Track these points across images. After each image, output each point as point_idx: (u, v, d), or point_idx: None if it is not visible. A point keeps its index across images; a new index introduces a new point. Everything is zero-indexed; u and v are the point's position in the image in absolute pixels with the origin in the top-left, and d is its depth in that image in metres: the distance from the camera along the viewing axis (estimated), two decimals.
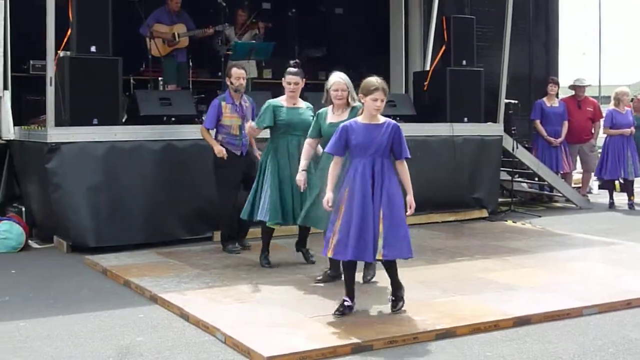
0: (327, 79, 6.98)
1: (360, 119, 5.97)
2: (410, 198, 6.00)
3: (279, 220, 7.50)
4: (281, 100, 7.70)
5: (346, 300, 5.98)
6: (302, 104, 7.72)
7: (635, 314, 6.13)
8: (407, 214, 5.95)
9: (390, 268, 6.08)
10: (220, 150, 8.23)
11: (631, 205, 12.47)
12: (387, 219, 5.80)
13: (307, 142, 6.99)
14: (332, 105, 6.87)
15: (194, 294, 6.60)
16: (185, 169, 9.12)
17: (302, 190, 7.07)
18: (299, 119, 7.56)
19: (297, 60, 7.99)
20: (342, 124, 6.00)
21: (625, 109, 12.83)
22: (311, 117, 7.40)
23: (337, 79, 6.81)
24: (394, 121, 6.06)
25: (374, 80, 5.95)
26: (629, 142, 12.64)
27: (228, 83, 8.37)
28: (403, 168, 6.02)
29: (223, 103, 8.31)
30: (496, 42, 12.30)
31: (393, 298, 6.11)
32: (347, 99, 6.80)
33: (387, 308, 6.09)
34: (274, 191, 7.45)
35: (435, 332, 5.53)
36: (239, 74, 8.26)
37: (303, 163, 6.99)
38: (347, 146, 5.91)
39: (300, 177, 6.97)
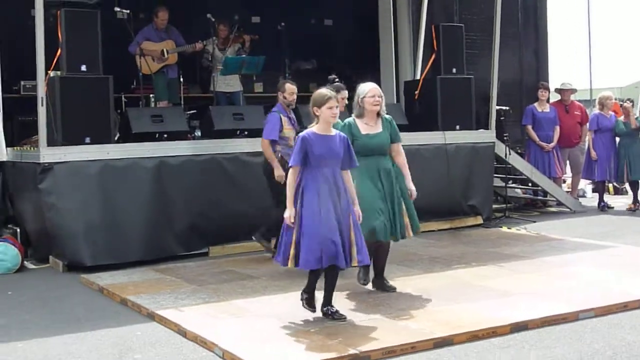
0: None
1: (315, 129, 6.07)
2: (357, 207, 6.20)
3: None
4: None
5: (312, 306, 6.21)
6: None
7: (632, 317, 6.15)
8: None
9: (335, 278, 6.18)
10: (281, 176, 8.04)
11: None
12: (355, 226, 6.05)
13: None
14: (358, 117, 6.88)
15: (191, 310, 6.60)
16: (179, 185, 9.12)
17: None
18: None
19: (334, 76, 8.05)
20: (300, 135, 6.07)
21: (610, 113, 12.85)
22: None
23: (372, 86, 6.91)
24: (342, 133, 6.23)
25: (324, 90, 6.16)
26: (612, 145, 12.69)
27: (281, 98, 8.57)
28: (349, 177, 6.20)
29: (281, 116, 8.44)
30: (486, 49, 12.33)
31: (333, 309, 6.17)
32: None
33: (384, 317, 6.10)
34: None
35: (433, 341, 5.54)
36: (292, 90, 8.56)
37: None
38: (305, 157, 5.98)
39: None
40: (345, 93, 8.10)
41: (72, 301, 7.32)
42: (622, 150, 12.62)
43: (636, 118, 12.63)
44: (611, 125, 12.63)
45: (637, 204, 12.52)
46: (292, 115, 8.64)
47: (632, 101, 12.90)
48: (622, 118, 12.74)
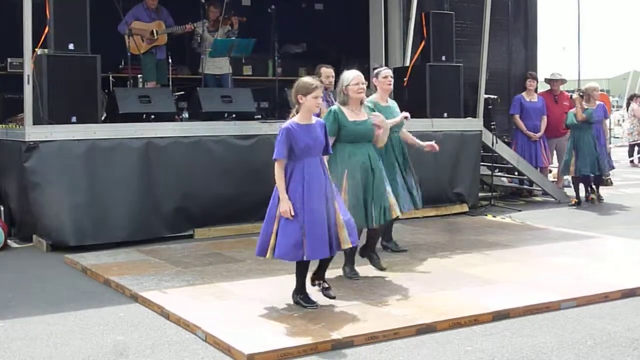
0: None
1: (297, 120, 6.02)
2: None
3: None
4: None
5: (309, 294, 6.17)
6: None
7: (612, 307, 6.19)
8: None
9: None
10: None
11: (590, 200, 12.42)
12: (341, 209, 6.07)
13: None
14: (342, 105, 6.90)
15: (175, 292, 6.59)
16: (166, 167, 9.10)
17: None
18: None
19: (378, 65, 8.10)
20: (282, 127, 5.99)
21: (597, 103, 12.72)
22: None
23: (356, 73, 6.91)
24: (319, 119, 6.27)
25: (310, 79, 6.09)
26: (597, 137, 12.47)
27: None
28: (325, 162, 6.26)
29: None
30: (475, 37, 12.32)
31: (326, 286, 6.32)
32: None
33: (367, 303, 6.12)
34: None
35: (416, 327, 5.55)
36: (328, 73, 8.68)
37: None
38: (290, 149, 5.93)
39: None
40: (389, 72, 8.06)
41: (55, 281, 7.31)
42: (570, 143, 12.27)
43: (585, 109, 12.16)
44: (597, 118, 12.46)
45: (582, 200, 12.38)
46: (331, 99, 8.58)
47: (582, 93, 12.46)
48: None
